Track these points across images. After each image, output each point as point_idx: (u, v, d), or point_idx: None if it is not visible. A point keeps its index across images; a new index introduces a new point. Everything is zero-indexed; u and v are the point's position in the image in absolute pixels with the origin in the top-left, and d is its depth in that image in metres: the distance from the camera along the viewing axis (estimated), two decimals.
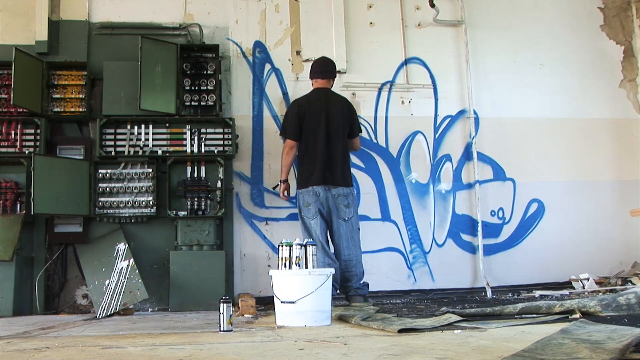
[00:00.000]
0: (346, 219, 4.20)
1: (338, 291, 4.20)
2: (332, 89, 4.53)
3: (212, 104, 4.74)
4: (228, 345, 2.16)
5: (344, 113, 4.35)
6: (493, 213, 5.19)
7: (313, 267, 3.03)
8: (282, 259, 3.08)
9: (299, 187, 4.29)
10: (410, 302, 4.50)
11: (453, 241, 5.09)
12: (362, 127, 5.11)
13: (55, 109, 4.59)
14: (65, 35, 4.84)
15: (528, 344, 1.76)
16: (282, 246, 3.11)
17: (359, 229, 4.30)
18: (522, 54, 5.47)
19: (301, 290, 2.83)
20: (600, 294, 4.29)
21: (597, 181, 5.40)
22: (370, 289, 4.83)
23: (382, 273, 4.91)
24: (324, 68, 4.45)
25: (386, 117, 5.17)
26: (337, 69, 5.08)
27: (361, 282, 4.23)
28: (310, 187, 4.19)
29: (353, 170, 5.01)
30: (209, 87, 4.76)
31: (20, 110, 4.46)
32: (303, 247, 3.08)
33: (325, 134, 4.23)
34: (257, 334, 2.51)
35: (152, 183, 4.57)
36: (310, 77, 4.52)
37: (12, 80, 4.27)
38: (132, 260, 4.16)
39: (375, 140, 5.12)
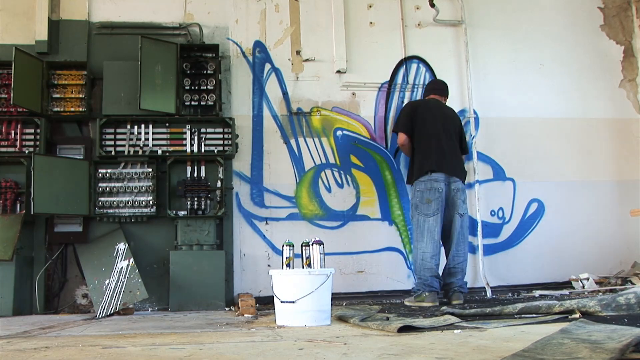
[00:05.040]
0: (462, 214, 4.23)
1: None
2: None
3: (212, 103, 4.75)
4: (228, 344, 2.16)
5: (455, 121, 4.51)
6: (493, 213, 5.19)
7: (321, 267, 3.02)
8: (286, 258, 3.08)
9: (416, 178, 4.27)
10: None
11: None
12: (362, 126, 5.13)
13: (55, 109, 4.60)
14: (65, 35, 4.84)
15: (528, 343, 1.76)
16: (286, 246, 3.12)
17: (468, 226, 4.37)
18: (522, 54, 5.47)
19: (301, 290, 2.83)
20: (600, 294, 4.29)
21: (597, 181, 5.40)
22: (370, 289, 4.87)
23: (382, 273, 4.91)
24: (439, 86, 4.66)
25: (386, 117, 5.17)
26: (337, 69, 5.10)
27: (464, 279, 4.24)
28: (432, 175, 4.17)
29: (352, 170, 5.03)
30: (208, 87, 4.76)
31: (20, 110, 4.47)
32: (309, 247, 3.08)
33: (442, 128, 4.33)
34: (257, 334, 2.51)
35: (152, 183, 4.57)
36: (424, 95, 4.74)
37: (12, 80, 4.28)
38: (132, 260, 4.16)
39: (374, 140, 5.11)
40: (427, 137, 4.30)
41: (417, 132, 4.35)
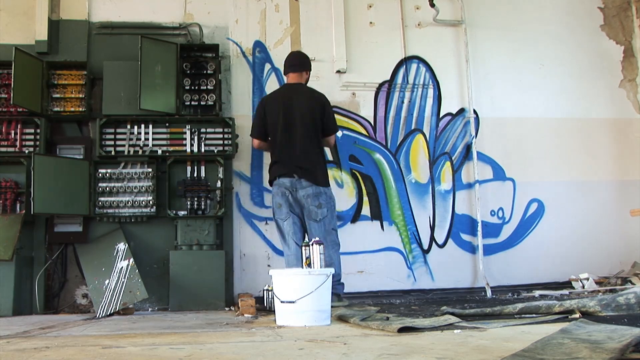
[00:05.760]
0: (318, 219, 3.94)
1: None
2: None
3: (212, 103, 4.75)
4: (228, 345, 2.16)
5: (311, 107, 4.05)
6: (493, 213, 5.19)
7: (321, 267, 3.02)
8: (306, 258, 3.08)
9: (270, 183, 4.15)
10: (410, 302, 4.50)
11: (453, 241, 5.09)
12: (362, 126, 5.12)
13: (55, 109, 4.60)
14: (65, 34, 4.84)
15: (528, 343, 1.76)
16: (304, 246, 3.11)
17: (333, 229, 4.03)
18: (522, 54, 5.47)
19: (301, 290, 2.83)
20: (600, 294, 4.29)
21: (597, 181, 5.40)
22: (370, 289, 4.86)
23: (381, 273, 4.91)
24: (291, 62, 4.24)
25: (386, 117, 5.17)
26: (337, 69, 5.10)
27: (336, 281, 3.92)
28: (278, 179, 3.98)
29: (352, 170, 5.03)
30: (208, 87, 4.76)
31: (20, 109, 4.47)
32: (309, 247, 3.08)
33: (291, 123, 3.99)
34: (256, 334, 2.51)
35: (152, 183, 4.57)
36: (283, 73, 4.36)
37: (12, 79, 4.27)
38: (132, 259, 4.16)
39: (375, 140, 5.12)
40: (274, 138, 4.04)
41: (269, 132, 4.09)
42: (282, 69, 5.08)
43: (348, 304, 3.95)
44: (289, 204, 3.98)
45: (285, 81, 4.31)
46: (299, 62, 4.23)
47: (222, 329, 2.82)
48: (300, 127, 4.01)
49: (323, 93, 4.22)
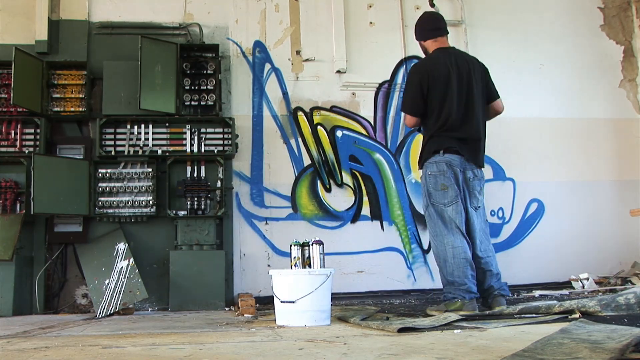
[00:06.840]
0: (478, 207, 3.37)
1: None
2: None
3: (212, 103, 4.75)
4: (228, 344, 2.16)
5: (481, 74, 3.52)
6: (493, 213, 5.19)
7: (321, 267, 3.02)
8: (293, 258, 3.07)
9: (427, 159, 3.36)
10: (410, 302, 4.50)
11: None
12: (362, 126, 5.12)
13: (55, 109, 4.60)
14: (65, 34, 4.84)
15: (528, 343, 1.76)
16: (293, 246, 3.11)
17: (487, 221, 3.54)
18: (522, 54, 5.47)
19: (301, 290, 2.83)
20: (600, 294, 4.29)
21: (597, 181, 5.40)
22: (370, 289, 4.86)
23: (381, 273, 4.91)
24: (441, 23, 3.54)
25: (386, 117, 5.17)
26: (337, 69, 5.10)
27: (502, 281, 3.39)
28: (444, 155, 3.28)
29: (352, 170, 5.03)
30: (208, 87, 4.76)
31: (20, 109, 4.47)
32: (309, 247, 3.07)
33: (458, 99, 3.34)
34: (256, 334, 2.51)
35: (152, 183, 4.57)
36: (422, 39, 3.57)
37: (12, 79, 4.28)
38: (131, 259, 4.16)
39: (375, 140, 5.12)
40: (444, 110, 3.32)
41: (433, 105, 3.35)
42: (281, 69, 5.11)
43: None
44: (458, 186, 3.28)
45: (429, 48, 3.52)
46: (444, 24, 3.55)
47: (222, 329, 2.83)
48: (478, 100, 3.42)
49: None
